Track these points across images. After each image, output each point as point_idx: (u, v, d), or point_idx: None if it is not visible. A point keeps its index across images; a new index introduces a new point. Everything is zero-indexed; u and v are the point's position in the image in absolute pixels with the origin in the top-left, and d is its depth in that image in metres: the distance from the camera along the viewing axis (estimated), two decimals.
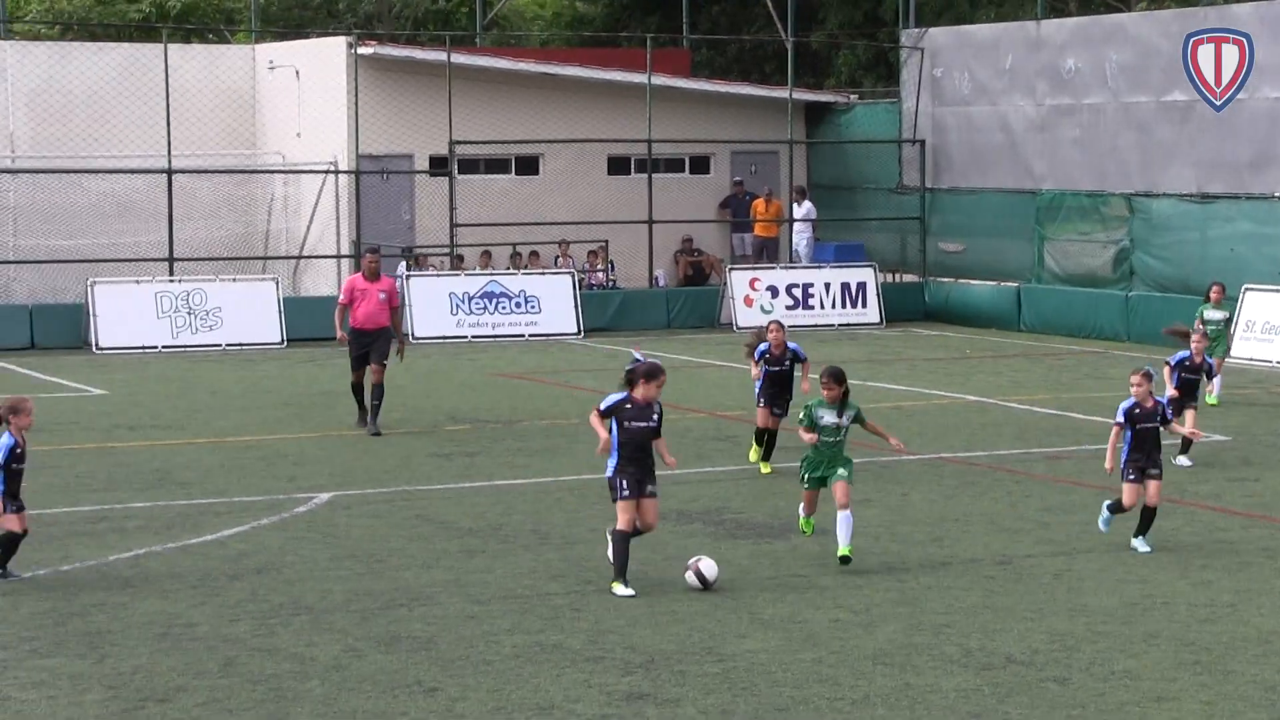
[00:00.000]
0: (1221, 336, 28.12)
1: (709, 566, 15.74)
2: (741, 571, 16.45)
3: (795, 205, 42.72)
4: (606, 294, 40.20)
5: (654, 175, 41.20)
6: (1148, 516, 17.06)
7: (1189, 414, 21.45)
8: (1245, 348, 32.90)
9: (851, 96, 47.83)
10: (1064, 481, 20.97)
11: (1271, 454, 22.90)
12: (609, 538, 15.79)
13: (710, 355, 34.40)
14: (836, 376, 16.55)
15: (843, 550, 16.28)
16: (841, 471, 16.46)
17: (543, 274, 38.99)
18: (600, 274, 41.38)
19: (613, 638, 14.13)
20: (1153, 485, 17.03)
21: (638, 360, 15.99)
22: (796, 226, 42.65)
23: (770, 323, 22.29)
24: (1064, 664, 13.26)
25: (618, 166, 43.44)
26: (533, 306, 37.75)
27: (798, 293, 39.70)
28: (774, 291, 39.39)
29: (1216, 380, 26.56)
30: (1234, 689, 12.66)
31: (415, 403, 27.67)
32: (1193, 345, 22.22)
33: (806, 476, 16.74)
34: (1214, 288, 28.74)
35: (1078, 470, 21.64)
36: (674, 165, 44.39)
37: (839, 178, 44.77)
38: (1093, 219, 38.26)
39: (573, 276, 38.78)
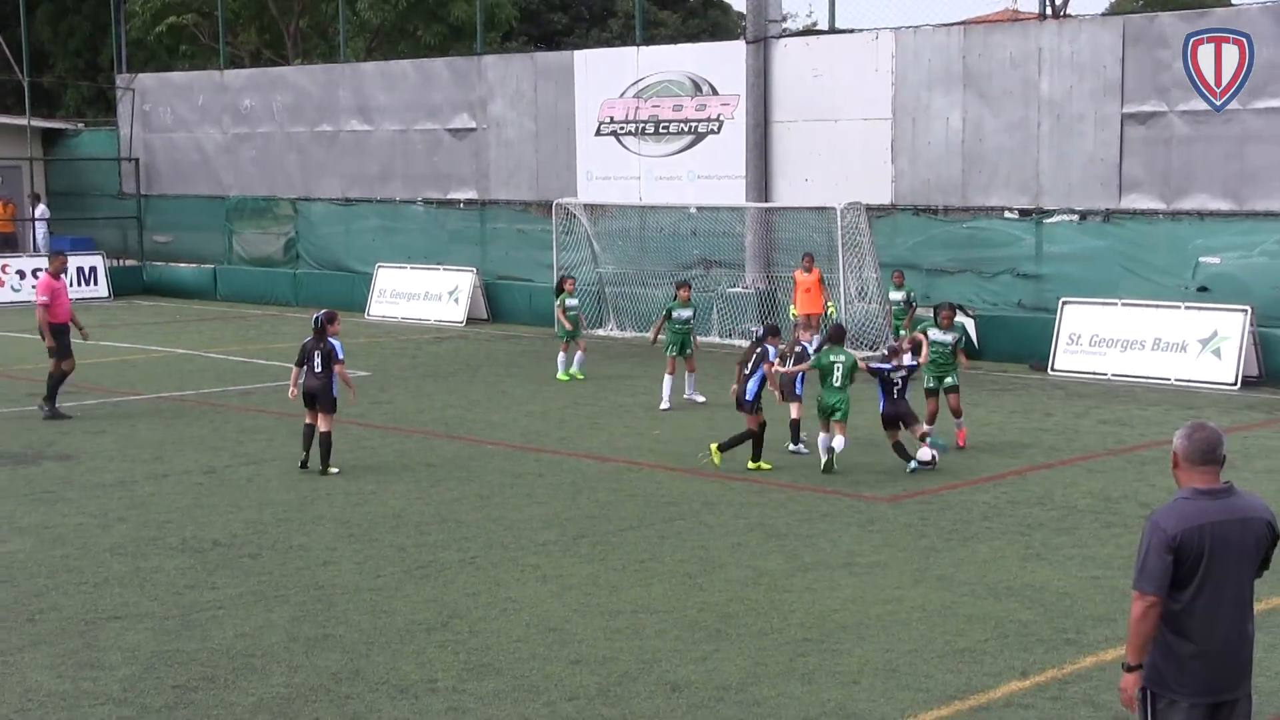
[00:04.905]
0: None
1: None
2: (0, 490, 15.58)
3: (33, 207, 40.56)
4: None
5: None
6: None
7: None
8: (380, 308, 33.65)
9: (79, 124, 45.85)
10: (252, 410, 20.90)
11: (398, 382, 23.52)
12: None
13: None
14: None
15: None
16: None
17: None
18: None
19: None
20: None
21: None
22: (37, 223, 40.45)
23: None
24: (255, 544, 13.28)
25: None
26: None
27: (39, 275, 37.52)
28: (22, 275, 37.10)
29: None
30: (376, 551, 13.06)
31: None
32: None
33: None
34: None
35: (263, 401, 21.61)
36: None
37: (73, 186, 42.76)
38: (268, 217, 38.14)
39: None
